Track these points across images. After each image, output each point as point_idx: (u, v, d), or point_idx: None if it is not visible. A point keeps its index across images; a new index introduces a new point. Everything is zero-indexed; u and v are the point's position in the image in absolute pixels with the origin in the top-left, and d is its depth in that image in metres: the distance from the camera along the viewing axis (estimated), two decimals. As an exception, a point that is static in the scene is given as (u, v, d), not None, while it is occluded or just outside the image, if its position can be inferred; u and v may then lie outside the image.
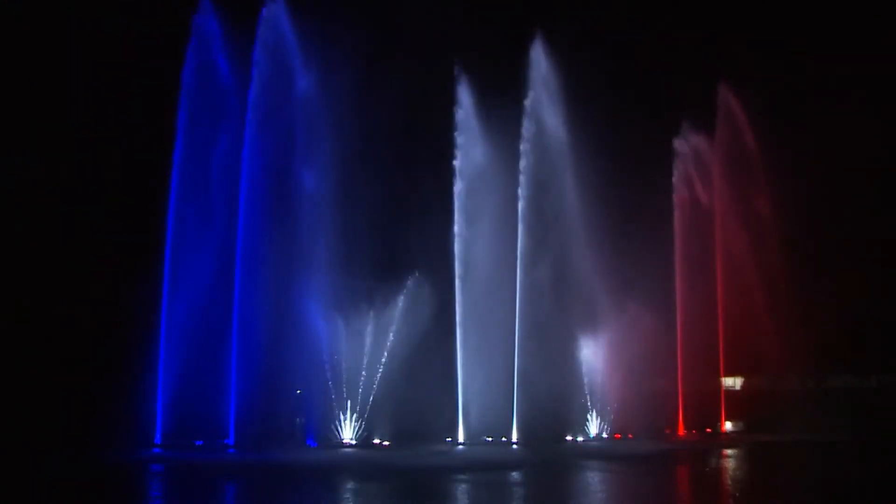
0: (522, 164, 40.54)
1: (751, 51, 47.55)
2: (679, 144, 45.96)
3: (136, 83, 37.95)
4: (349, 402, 37.01)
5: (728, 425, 46.07)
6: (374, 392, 37.32)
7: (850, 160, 44.63)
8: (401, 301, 37.86)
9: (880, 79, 46.94)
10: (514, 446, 38.42)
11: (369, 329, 37.58)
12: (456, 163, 40.05)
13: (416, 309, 37.89)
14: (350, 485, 26.59)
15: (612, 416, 42.35)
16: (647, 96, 44.79)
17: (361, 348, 37.39)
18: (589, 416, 41.93)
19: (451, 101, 39.93)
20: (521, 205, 40.22)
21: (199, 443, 34.63)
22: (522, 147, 40.62)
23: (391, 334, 37.48)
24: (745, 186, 45.59)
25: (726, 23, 50.38)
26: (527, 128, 40.74)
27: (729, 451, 38.21)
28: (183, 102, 35.69)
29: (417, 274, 38.33)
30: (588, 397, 41.89)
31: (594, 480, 28.59)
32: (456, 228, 39.56)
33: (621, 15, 46.73)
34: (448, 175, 39.88)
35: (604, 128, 39.09)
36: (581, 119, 40.35)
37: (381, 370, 37.41)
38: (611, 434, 42.37)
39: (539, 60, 41.22)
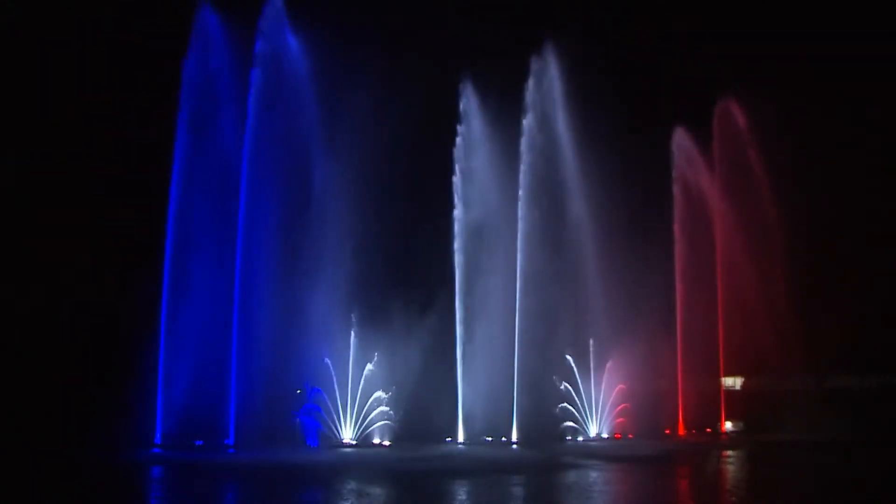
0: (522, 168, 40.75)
1: (751, 53, 47.49)
2: (679, 144, 46.03)
3: (139, 82, 37.99)
4: (349, 403, 37.03)
5: (728, 425, 46.04)
6: (374, 393, 37.35)
7: (849, 159, 44.67)
8: (403, 304, 37.87)
9: (881, 78, 46.93)
10: (514, 446, 38.43)
11: (370, 328, 37.58)
12: (457, 165, 40.27)
13: (418, 310, 37.99)
14: (351, 485, 26.55)
15: (612, 416, 42.39)
16: (648, 99, 44.82)
17: (362, 349, 37.39)
18: (588, 416, 41.94)
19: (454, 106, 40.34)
20: (521, 194, 40.39)
21: (199, 443, 34.63)
22: (523, 155, 40.82)
23: (393, 337, 37.46)
24: (745, 189, 45.53)
25: (726, 25, 50.37)
26: (527, 141, 40.95)
27: (729, 452, 38.18)
28: (184, 103, 35.75)
29: (420, 276, 38.45)
30: (585, 398, 41.88)
31: (596, 481, 28.52)
32: (456, 230, 39.70)
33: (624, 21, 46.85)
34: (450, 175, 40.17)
35: (605, 128, 39.25)
36: (582, 120, 40.54)
37: (380, 372, 37.46)
38: (611, 434, 42.40)
39: (541, 76, 41.43)
